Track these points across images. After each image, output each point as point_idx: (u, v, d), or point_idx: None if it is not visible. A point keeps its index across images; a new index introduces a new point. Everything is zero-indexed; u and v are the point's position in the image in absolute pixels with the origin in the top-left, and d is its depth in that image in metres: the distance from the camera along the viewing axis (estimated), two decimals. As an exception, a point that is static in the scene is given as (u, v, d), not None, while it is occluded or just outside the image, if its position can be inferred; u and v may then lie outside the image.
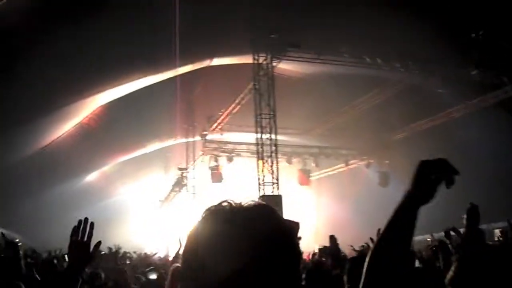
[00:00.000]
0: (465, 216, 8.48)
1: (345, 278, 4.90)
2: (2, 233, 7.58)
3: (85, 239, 3.15)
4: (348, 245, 16.15)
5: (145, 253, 23.40)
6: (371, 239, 5.97)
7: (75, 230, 3.15)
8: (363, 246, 12.02)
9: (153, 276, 10.36)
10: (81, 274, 3.23)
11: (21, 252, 6.47)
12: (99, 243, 3.26)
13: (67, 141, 26.38)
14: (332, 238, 7.38)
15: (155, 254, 24.32)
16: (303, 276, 6.48)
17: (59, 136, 26.26)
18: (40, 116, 22.55)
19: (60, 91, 20.66)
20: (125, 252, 21.66)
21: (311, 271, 6.19)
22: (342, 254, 10.35)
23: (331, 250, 7.77)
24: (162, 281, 9.65)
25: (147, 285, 9.96)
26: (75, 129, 26.57)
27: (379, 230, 5.52)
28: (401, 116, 28.74)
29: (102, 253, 13.74)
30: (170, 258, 22.14)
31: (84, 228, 3.17)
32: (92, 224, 3.18)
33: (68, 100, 22.64)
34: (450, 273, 2.61)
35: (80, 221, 3.16)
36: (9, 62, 17.92)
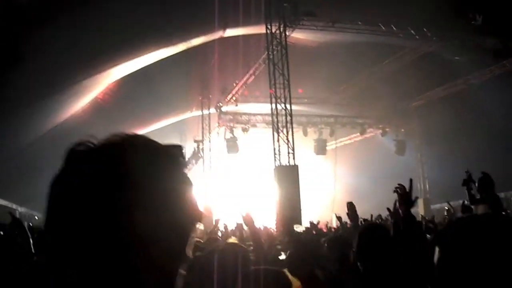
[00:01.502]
0: (476, 184, 8.44)
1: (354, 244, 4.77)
2: (10, 212, 7.52)
3: None
4: (364, 214, 16.17)
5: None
6: (388, 209, 5.91)
7: None
8: (380, 217, 11.98)
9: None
10: None
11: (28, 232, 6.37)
12: None
13: (82, 116, 26.43)
14: (351, 205, 7.34)
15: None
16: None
17: (74, 112, 26.33)
18: (54, 92, 22.59)
19: (73, 67, 20.68)
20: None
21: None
22: (361, 220, 10.34)
23: (350, 216, 7.70)
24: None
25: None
26: (89, 104, 26.63)
27: (395, 202, 5.50)
28: (417, 84, 28.64)
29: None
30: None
31: None
32: None
33: (81, 76, 22.68)
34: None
35: None
36: (23, 40, 17.94)
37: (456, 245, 2.08)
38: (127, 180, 1.35)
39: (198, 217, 1.49)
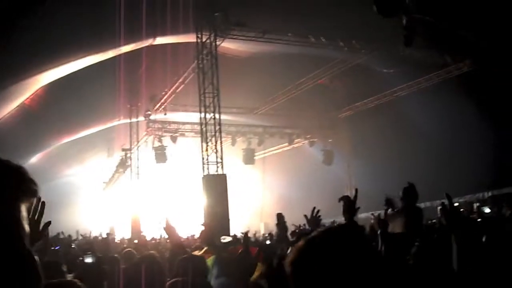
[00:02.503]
0: (401, 194, 8.61)
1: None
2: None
3: (36, 217, 3.08)
4: (291, 224, 16.26)
5: (82, 235, 23.30)
6: (305, 216, 6.01)
7: None
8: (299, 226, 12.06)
9: (88, 260, 10.14)
10: None
11: None
12: (48, 223, 3.19)
13: (10, 122, 25.93)
14: (280, 217, 7.35)
15: (90, 233, 24.16)
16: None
17: (1, 118, 25.82)
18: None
19: (0, 71, 20.29)
20: (69, 236, 21.50)
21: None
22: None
23: (279, 227, 7.73)
24: (100, 264, 9.50)
25: (85, 270, 9.75)
26: (17, 110, 26.11)
27: (314, 208, 5.63)
28: (345, 95, 29.03)
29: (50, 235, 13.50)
30: (111, 238, 22.04)
31: (36, 206, 3.09)
32: (43, 203, 3.10)
33: (9, 81, 22.25)
34: None
35: None
36: None
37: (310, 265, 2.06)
38: None
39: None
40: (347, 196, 5.19)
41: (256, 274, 8.02)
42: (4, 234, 1.38)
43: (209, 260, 9.14)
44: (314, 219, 5.64)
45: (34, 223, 3.05)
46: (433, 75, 25.96)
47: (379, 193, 8.65)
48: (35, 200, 3.01)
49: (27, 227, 1.47)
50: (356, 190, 5.27)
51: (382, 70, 26.90)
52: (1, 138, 25.06)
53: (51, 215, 3.07)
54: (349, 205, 5.07)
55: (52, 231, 15.44)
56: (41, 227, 3.16)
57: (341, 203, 5.12)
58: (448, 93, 24.37)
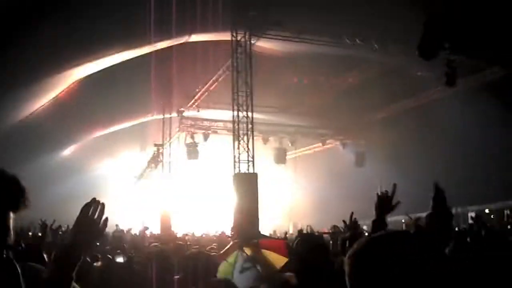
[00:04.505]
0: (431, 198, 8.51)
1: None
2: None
3: (96, 216, 3.07)
4: (321, 224, 16.26)
5: (120, 230, 23.35)
6: (344, 221, 5.92)
7: (87, 205, 3.06)
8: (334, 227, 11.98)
9: (119, 259, 10.12)
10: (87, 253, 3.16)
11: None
12: (107, 219, 3.17)
13: (44, 115, 26.16)
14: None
15: (130, 230, 24.31)
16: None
17: (35, 110, 26.04)
18: (16, 90, 22.34)
19: (36, 65, 20.47)
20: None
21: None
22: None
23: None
24: (130, 264, 9.51)
25: (113, 268, 9.70)
26: (51, 103, 26.34)
27: (352, 213, 5.54)
28: (379, 97, 28.81)
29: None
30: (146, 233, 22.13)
31: (96, 206, 3.09)
32: (103, 204, 3.09)
33: (43, 75, 22.44)
34: None
35: (93, 199, 3.07)
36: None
37: (369, 266, 2.05)
38: None
39: None
40: (385, 192, 5.05)
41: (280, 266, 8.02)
42: None
43: (231, 257, 9.14)
44: (353, 224, 5.55)
45: (94, 222, 3.04)
46: (468, 79, 25.65)
47: (410, 196, 8.58)
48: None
49: (11, 235, 1.53)
50: (395, 186, 5.10)
51: (416, 73, 26.69)
52: (34, 130, 25.34)
53: (81, 207, 3.07)
54: (383, 201, 4.93)
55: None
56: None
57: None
58: (483, 98, 24.10)
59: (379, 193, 4.99)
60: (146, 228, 25.10)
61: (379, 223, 4.86)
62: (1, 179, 1.54)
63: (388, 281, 1.94)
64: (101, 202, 3.05)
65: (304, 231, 17.09)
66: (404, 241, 2.06)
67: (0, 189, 1.51)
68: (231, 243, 10.71)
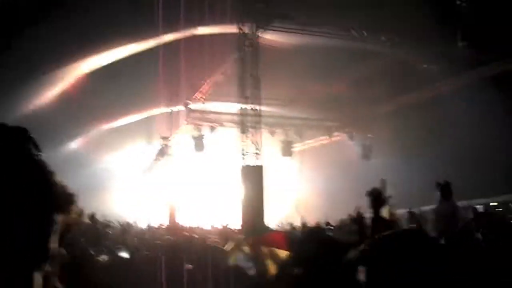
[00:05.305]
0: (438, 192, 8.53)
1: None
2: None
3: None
4: (328, 216, 16.24)
5: (127, 223, 23.33)
6: (350, 215, 5.97)
7: None
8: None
9: (124, 255, 10.05)
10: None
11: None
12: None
13: (51, 108, 26.21)
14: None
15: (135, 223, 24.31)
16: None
17: (42, 104, 26.09)
18: (23, 83, 22.39)
19: (43, 58, 20.51)
20: (107, 221, 21.58)
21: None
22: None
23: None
24: (133, 261, 9.48)
25: (117, 263, 9.60)
26: (58, 96, 26.39)
27: (357, 207, 5.58)
28: (386, 89, 28.74)
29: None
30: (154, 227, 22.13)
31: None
32: None
33: (50, 67, 22.49)
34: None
35: None
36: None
37: (382, 264, 2.06)
38: None
39: None
40: (375, 188, 5.11)
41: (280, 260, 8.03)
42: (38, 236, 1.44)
43: (231, 259, 9.21)
44: (359, 219, 5.59)
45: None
46: (475, 72, 25.54)
47: (416, 190, 8.59)
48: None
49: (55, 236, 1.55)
50: (383, 181, 5.17)
51: (423, 65, 26.62)
52: (42, 123, 25.32)
53: (89, 201, 3.08)
54: (375, 198, 4.99)
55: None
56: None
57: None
58: (490, 90, 24.01)
59: (369, 191, 5.06)
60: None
61: (376, 219, 4.91)
62: (58, 186, 1.57)
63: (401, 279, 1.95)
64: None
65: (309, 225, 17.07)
66: (411, 240, 2.07)
67: (54, 194, 1.53)
68: (229, 242, 10.74)
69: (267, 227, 17.10)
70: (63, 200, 1.56)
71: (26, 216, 1.39)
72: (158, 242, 11.40)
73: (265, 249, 9.08)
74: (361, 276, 2.19)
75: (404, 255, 2.03)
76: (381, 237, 2.21)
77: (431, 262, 2.02)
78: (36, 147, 1.52)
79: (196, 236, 15.91)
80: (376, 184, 5.21)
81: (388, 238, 2.15)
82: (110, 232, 17.79)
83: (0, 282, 1.32)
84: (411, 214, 10.56)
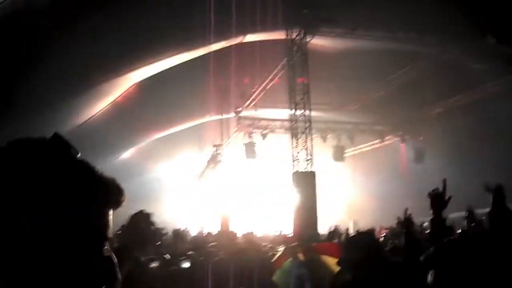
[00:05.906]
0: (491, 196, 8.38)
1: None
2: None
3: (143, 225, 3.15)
4: (382, 220, 16.14)
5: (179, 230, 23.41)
6: (398, 218, 5.91)
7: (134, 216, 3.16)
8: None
9: (186, 265, 10.09)
10: None
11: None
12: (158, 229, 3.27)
13: (102, 119, 26.53)
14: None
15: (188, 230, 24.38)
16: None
17: (94, 114, 26.42)
18: (75, 95, 22.68)
19: (94, 69, 20.76)
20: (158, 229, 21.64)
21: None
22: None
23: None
24: (194, 270, 9.48)
25: (176, 274, 9.63)
26: (109, 107, 26.69)
27: (406, 209, 5.55)
28: (436, 91, 28.46)
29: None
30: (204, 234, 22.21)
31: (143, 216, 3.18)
32: (149, 215, 3.18)
33: (102, 78, 22.75)
34: None
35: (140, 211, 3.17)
36: (43, 43, 18.02)
37: (450, 266, 2.05)
38: None
39: None
40: (436, 189, 5.07)
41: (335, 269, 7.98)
42: (93, 236, 1.47)
43: (286, 264, 9.19)
44: (407, 220, 5.55)
45: (141, 231, 3.11)
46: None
47: (470, 193, 8.46)
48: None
49: (109, 232, 1.58)
50: (444, 181, 5.11)
51: (473, 65, 26.26)
52: (94, 134, 25.71)
53: (145, 207, 3.12)
54: (437, 199, 4.95)
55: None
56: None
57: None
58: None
59: (430, 192, 5.01)
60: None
61: (437, 221, 4.86)
62: (105, 178, 1.61)
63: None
64: (146, 212, 3.13)
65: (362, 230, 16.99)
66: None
67: (104, 187, 1.58)
68: (283, 248, 10.73)
69: (320, 234, 17.04)
70: (111, 193, 1.60)
71: (81, 209, 1.44)
72: (211, 249, 11.40)
73: (320, 257, 9.07)
74: (429, 278, 2.18)
75: (477, 257, 2.02)
76: (451, 240, 2.19)
77: (503, 265, 2.00)
78: (74, 149, 1.55)
79: (250, 243, 15.94)
80: (430, 187, 5.17)
81: (459, 241, 2.14)
82: (163, 238, 17.89)
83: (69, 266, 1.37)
84: (470, 213, 10.37)
